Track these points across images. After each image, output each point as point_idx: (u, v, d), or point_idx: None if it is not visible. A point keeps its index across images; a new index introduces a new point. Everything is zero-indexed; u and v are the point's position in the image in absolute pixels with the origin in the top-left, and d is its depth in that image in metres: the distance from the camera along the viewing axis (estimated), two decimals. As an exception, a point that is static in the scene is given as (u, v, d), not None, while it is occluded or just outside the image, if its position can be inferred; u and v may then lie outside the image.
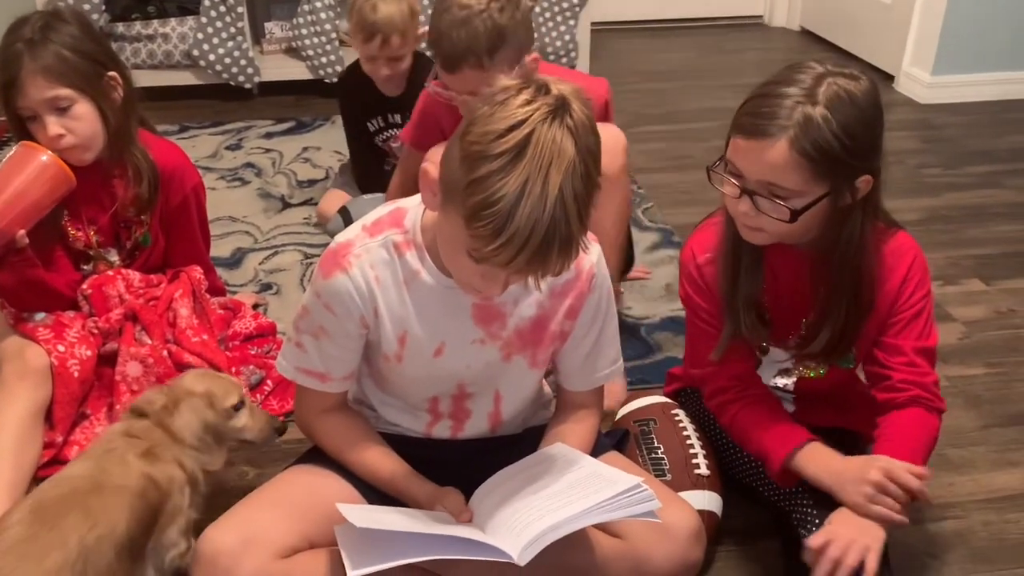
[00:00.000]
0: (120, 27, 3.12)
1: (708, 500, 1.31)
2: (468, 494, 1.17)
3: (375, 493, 1.22)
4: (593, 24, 3.49)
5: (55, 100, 1.44)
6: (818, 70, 1.16)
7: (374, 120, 2.27)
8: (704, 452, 1.38)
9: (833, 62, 1.18)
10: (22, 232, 1.43)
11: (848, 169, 1.16)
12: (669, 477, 1.32)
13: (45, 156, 1.43)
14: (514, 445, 1.29)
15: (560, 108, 0.95)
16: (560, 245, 0.96)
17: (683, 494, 1.29)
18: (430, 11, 1.75)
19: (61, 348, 1.48)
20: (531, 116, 0.94)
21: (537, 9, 3.31)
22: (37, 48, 1.43)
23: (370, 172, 2.31)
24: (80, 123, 1.47)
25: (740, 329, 1.29)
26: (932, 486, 1.56)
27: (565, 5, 3.30)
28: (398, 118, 2.23)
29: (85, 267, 1.61)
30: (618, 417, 1.49)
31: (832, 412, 1.38)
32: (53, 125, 1.45)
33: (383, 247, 1.15)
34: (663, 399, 1.50)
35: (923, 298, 1.28)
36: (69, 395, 1.48)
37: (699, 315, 1.35)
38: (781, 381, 1.39)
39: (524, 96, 0.95)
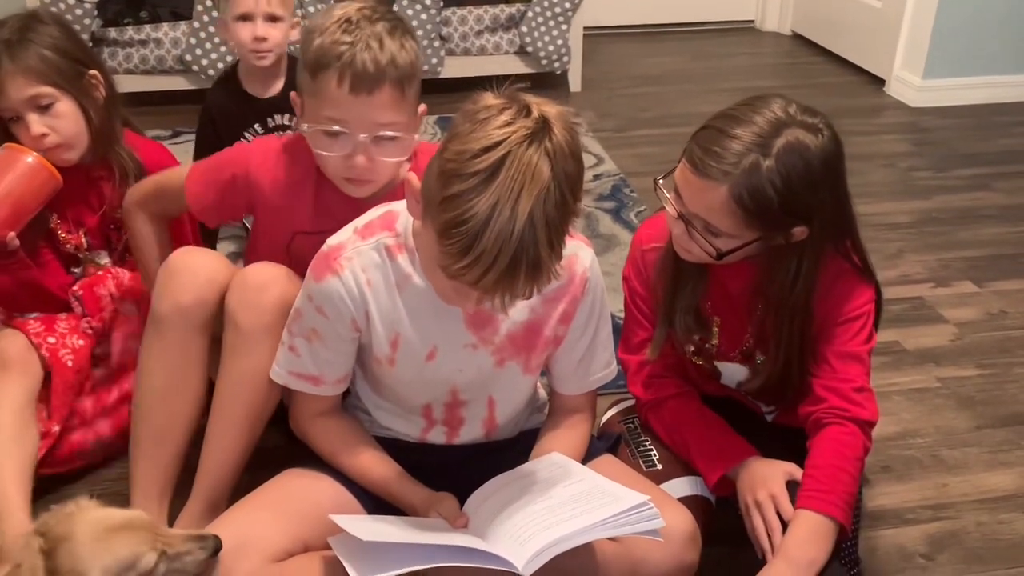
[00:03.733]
0: (112, 32, 3.11)
1: (700, 486, 1.31)
2: (462, 498, 1.17)
3: (370, 497, 1.22)
4: (585, 29, 3.50)
5: (36, 98, 1.44)
6: (779, 115, 1.12)
7: (251, 131, 2.01)
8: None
9: (800, 105, 1.15)
10: (12, 234, 1.42)
11: (781, 222, 1.15)
12: (659, 467, 1.33)
13: (30, 157, 1.43)
14: (508, 449, 1.29)
15: (540, 131, 0.95)
16: (528, 269, 0.95)
17: (676, 481, 1.30)
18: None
19: (52, 340, 1.47)
20: (508, 138, 0.94)
21: (529, 14, 3.32)
22: (16, 49, 1.43)
23: None
24: (62, 121, 1.47)
25: (674, 328, 1.30)
26: (926, 487, 1.58)
27: (558, 10, 3.31)
28: (282, 119, 2.01)
29: (75, 270, 1.61)
30: (603, 420, 1.50)
31: None
32: (36, 124, 1.45)
33: (375, 250, 1.15)
34: None
35: (852, 309, 1.25)
36: (65, 384, 1.47)
37: (634, 299, 1.36)
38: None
39: (504, 117, 0.95)
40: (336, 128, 1.23)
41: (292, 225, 1.36)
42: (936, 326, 2.05)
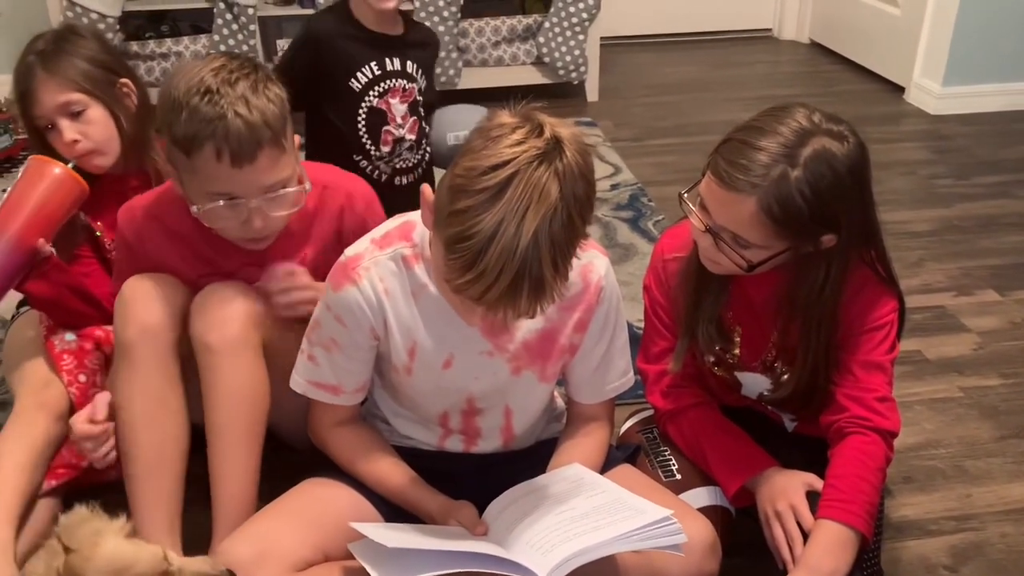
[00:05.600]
0: (134, 46, 3.16)
1: (718, 495, 1.31)
2: (480, 506, 1.17)
3: (388, 506, 1.23)
4: (602, 39, 3.50)
5: (68, 105, 1.48)
6: (804, 124, 1.12)
7: (365, 69, 1.81)
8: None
9: (824, 113, 1.15)
10: (43, 241, 1.44)
11: (811, 231, 1.14)
12: (679, 477, 1.32)
13: (57, 168, 1.46)
14: (527, 458, 1.29)
15: (551, 152, 0.95)
16: (530, 288, 0.96)
17: (695, 491, 1.30)
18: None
19: (83, 378, 1.47)
20: (518, 157, 0.94)
21: (547, 25, 3.33)
22: (49, 59, 1.48)
23: (350, 161, 1.82)
24: (93, 128, 1.50)
25: (696, 339, 1.30)
26: (949, 498, 1.56)
27: (575, 20, 3.32)
28: (397, 63, 1.83)
29: None
30: (623, 430, 1.49)
31: None
32: (68, 130, 1.48)
33: (392, 260, 1.16)
34: None
35: (876, 319, 1.24)
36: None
37: (655, 308, 1.36)
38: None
39: (516, 136, 0.96)
40: (225, 202, 1.22)
41: (191, 272, 1.35)
42: (958, 335, 2.03)
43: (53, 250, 1.46)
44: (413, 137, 1.87)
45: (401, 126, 1.86)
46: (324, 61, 1.79)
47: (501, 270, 0.94)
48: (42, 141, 1.52)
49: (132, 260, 1.37)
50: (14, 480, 1.35)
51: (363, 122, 1.83)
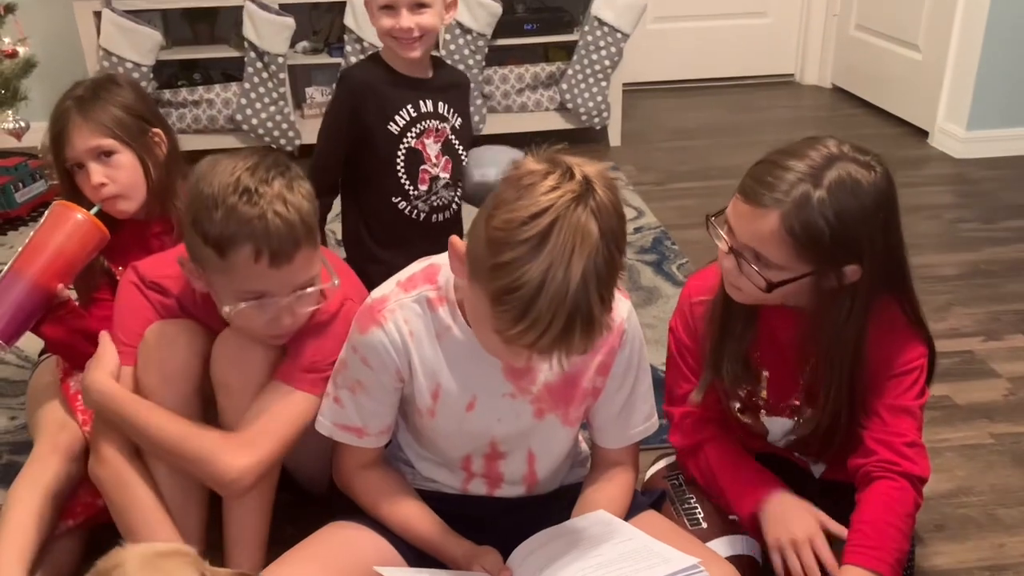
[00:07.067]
0: (167, 93, 3.24)
1: (745, 544, 1.29)
2: (504, 551, 1.17)
3: (412, 550, 1.22)
4: (625, 85, 3.54)
5: (98, 148, 1.52)
6: (833, 151, 1.14)
7: (403, 112, 1.85)
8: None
9: (854, 145, 1.17)
10: (61, 286, 1.47)
11: (832, 256, 1.15)
12: (704, 525, 1.31)
13: (80, 214, 1.49)
14: (550, 503, 1.29)
15: (585, 193, 0.97)
16: (582, 327, 0.97)
17: (720, 540, 1.28)
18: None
19: None
20: (556, 203, 0.96)
21: (570, 72, 3.38)
22: (85, 103, 1.52)
23: (388, 204, 1.88)
24: (121, 172, 1.54)
25: (721, 376, 1.29)
26: (982, 547, 1.53)
27: (597, 67, 3.36)
28: (430, 104, 1.88)
29: None
30: (648, 476, 1.48)
31: None
32: (96, 173, 1.52)
33: (417, 302, 1.17)
34: None
35: (905, 363, 1.23)
36: None
37: (680, 350, 1.36)
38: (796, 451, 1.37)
39: (549, 182, 0.97)
40: (256, 301, 1.21)
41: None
42: (988, 380, 2.00)
43: (72, 295, 1.49)
44: (447, 176, 1.93)
45: (436, 165, 1.91)
46: (364, 108, 1.85)
47: (554, 315, 0.95)
48: (71, 185, 1.55)
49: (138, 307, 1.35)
50: (26, 524, 1.36)
51: (402, 163, 1.89)
